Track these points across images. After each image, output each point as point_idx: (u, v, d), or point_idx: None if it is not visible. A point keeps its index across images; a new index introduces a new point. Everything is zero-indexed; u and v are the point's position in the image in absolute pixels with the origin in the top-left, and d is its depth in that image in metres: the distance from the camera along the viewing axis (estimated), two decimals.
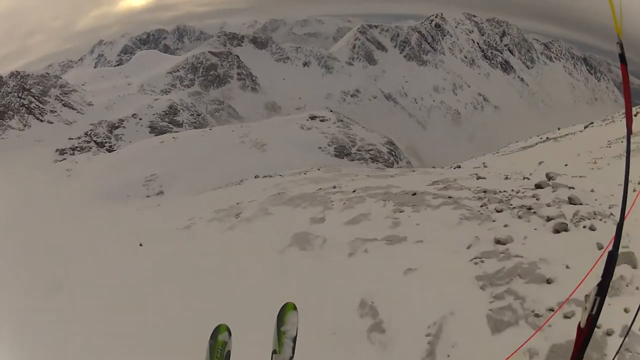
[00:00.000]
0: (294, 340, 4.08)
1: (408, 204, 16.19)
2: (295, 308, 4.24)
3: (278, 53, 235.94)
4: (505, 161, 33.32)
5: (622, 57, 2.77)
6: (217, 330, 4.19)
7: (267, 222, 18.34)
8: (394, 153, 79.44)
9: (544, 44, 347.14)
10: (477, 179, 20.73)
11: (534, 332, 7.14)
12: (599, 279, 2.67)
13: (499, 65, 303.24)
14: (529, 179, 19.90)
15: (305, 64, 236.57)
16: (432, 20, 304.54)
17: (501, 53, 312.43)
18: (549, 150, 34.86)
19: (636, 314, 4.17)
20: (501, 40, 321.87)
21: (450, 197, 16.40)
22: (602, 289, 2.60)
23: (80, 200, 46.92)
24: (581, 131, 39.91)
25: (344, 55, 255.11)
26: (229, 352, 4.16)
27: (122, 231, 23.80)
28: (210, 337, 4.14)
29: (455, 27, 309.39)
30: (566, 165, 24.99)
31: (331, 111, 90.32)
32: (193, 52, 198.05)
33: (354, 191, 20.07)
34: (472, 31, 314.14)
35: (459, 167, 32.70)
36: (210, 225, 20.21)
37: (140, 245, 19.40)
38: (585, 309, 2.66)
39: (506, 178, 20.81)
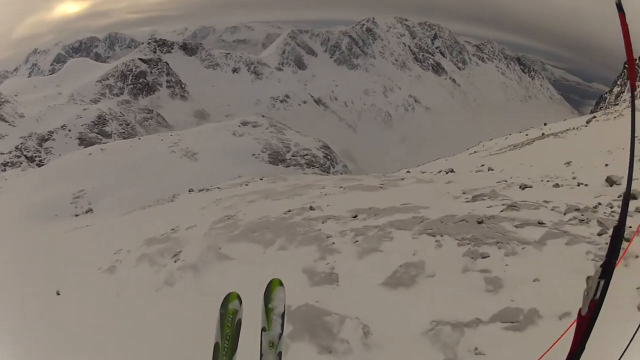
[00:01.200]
0: (282, 316, 3.80)
1: (483, 240, 9.49)
2: (281, 284, 3.92)
3: (208, 60, 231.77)
4: (511, 162, 28.27)
5: (620, 7, 2.43)
6: (227, 298, 3.85)
7: (227, 276, 11.38)
8: (329, 157, 79.15)
9: (476, 46, 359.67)
10: (523, 188, 15.46)
11: None
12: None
13: (430, 67, 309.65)
14: (586, 185, 15.77)
15: (234, 70, 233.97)
16: (363, 25, 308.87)
17: (432, 55, 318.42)
18: (557, 147, 30.17)
19: None
20: (432, 43, 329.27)
21: (541, 223, 10.05)
22: (607, 270, 2.26)
23: (8, 222, 41.97)
24: (586, 125, 35.92)
25: (274, 61, 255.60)
26: (239, 321, 3.83)
27: (38, 270, 17.35)
28: (221, 307, 3.82)
29: (387, 31, 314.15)
30: (607, 165, 19.71)
31: (263, 116, 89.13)
32: (123, 59, 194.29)
33: (354, 217, 13.56)
34: (404, 35, 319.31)
35: (452, 170, 27.37)
36: (140, 271, 13.74)
37: (58, 294, 13.94)
38: (587, 293, 2.29)
39: (556, 185, 15.98)
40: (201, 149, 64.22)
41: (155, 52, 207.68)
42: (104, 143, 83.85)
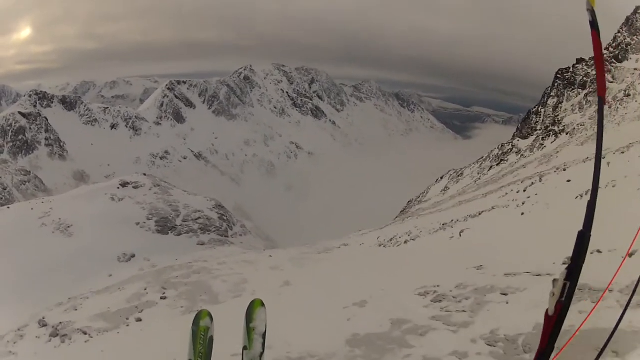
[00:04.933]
0: (264, 336, 4.03)
1: None
2: (262, 304, 4.14)
3: (86, 115, 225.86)
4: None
5: (594, 24, 2.59)
6: (199, 316, 4.09)
7: None
8: (225, 218, 68.30)
9: (354, 86, 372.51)
10: None
11: None
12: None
13: (310, 111, 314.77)
14: None
15: (113, 126, 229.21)
16: (240, 73, 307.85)
17: (311, 100, 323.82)
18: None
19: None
20: (310, 88, 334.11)
21: None
22: (572, 273, 2.34)
23: None
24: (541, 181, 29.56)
25: (152, 115, 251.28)
26: (211, 338, 4.10)
27: None
28: (193, 324, 4.04)
29: (264, 78, 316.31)
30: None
31: (145, 175, 77.46)
32: (4, 113, 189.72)
33: None
34: (281, 81, 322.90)
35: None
36: None
37: None
38: (554, 294, 2.35)
39: None
40: (76, 220, 53.88)
41: (35, 106, 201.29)
42: None
